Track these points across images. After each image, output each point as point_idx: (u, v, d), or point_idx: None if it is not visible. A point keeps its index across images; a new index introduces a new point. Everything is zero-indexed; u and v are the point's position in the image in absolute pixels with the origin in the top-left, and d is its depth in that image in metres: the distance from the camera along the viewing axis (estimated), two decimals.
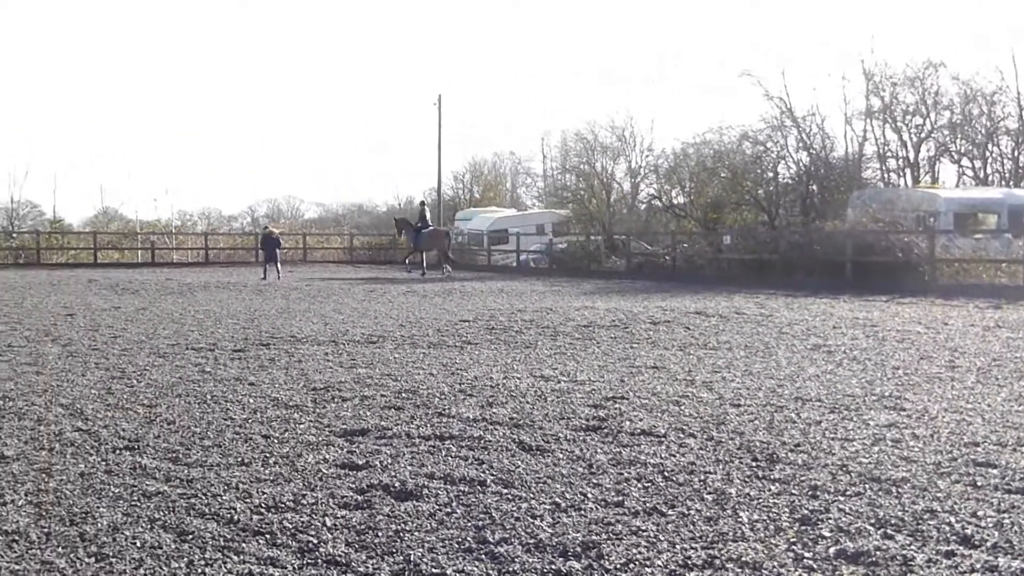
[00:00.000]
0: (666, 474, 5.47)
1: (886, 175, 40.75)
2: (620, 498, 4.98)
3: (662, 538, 4.32)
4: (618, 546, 4.22)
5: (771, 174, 40.69)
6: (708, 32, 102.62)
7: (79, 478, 5.39)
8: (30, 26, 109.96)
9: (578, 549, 4.18)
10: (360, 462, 5.74)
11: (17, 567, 3.98)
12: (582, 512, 4.75)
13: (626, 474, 5.49)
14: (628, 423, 6.89)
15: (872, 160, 41.25)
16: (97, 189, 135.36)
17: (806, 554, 4.11)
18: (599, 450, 6.09)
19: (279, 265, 29.82)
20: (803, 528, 4.46)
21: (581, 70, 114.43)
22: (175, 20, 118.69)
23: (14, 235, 45.83)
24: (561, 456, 5.93)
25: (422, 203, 36.45)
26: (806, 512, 4.69)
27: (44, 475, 5.44)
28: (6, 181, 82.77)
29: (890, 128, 39.95)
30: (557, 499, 4.97)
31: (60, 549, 4.21)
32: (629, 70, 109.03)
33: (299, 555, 4.16)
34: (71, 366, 9.76)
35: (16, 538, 4.34)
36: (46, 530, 4.46)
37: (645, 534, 4.38)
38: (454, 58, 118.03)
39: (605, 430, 6.68)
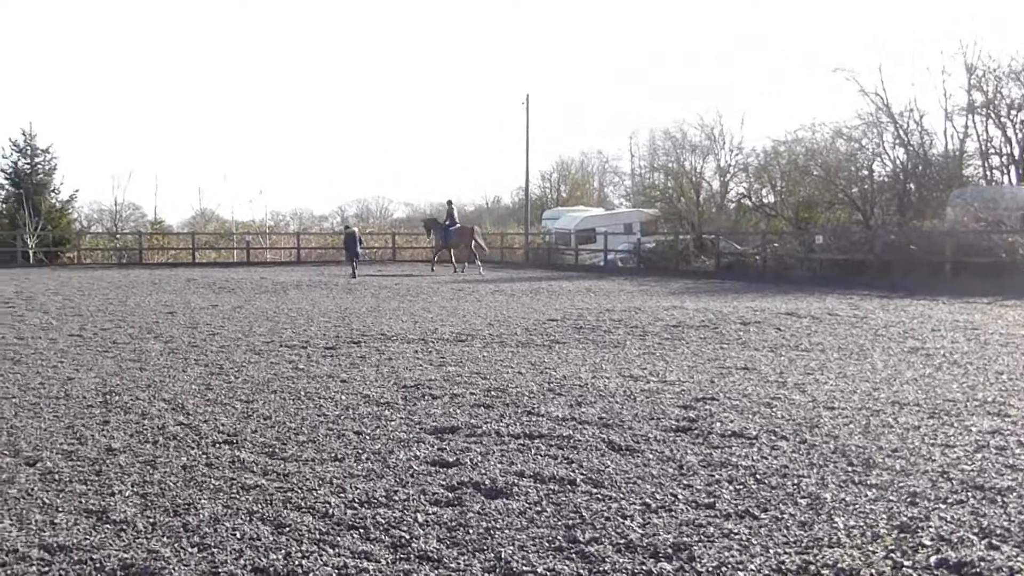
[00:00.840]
0: (758, 477, 5.39)
1: (989, 172, 39.29)
2: (711, 500, 4.93)
3: (755, 542, 4.26)
4: (710, 548, 4.18)
5: (866, 172, 39.57)
6: (801, 26, 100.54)
7: (181, 470, 5.57)
8: (134, 33, 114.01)
9: (669, 550, 4.16)
10: (451, 459, 5.81)
11: (125, 555, 4.13)
12: (673, 513, 4.72)
13: (717, 476, 5.43)
14: (719, 424, 6.81)
15: (974, 157, 39.82)
16: (195, 191, 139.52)
17: (905, 563, 4.00)
18: (689, 451, 6.04)
19: (356, 263, 30.68)
20: (902, 536, 4.34)
21: (669, 67, 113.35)
22: (270, 25, 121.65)
23: (117, 236, 47.52)
24: (651, 456, 5.90)
25: (449, 202, 36.31)
26: (905, 519, 4.57)
27: (149, 467, 5.64)
28: (110, 184, 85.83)
29: (993, 124, 38.50)
30: (647, 500, 4.94)
31: (165, 538, 4.36)
32: (719, 67, 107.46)
33: (392, 550, 4.23)
34: (172, 362, 10.08)
35: (124, 527, 4.52)
36: (151, 520, 4.63)
37: (737, 537, 4.33)
38: (543, 57, 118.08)
39: (695, 431, 6.62)
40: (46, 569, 3.98)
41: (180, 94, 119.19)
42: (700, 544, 4.23)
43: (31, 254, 40.11)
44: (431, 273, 32.33)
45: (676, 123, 57.42)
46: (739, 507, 4.81)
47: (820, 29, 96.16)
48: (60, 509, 4.81)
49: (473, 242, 34.40)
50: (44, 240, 41.36)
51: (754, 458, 5.83)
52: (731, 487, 5.19)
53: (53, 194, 45.08)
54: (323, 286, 24.30)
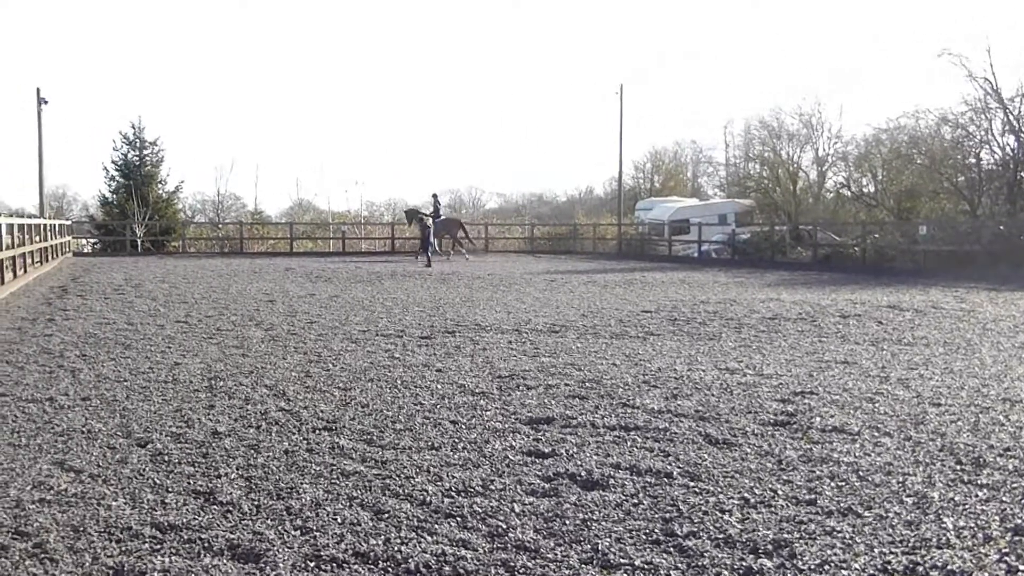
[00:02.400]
0: (861, 474, 5.26)
1: None
2: (812, 496, 4.83)
3: (858, 540, 4.16)
4: (811, 546, 4.09)
5: (973, 160, 38.09)
6: (903, 9, 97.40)
7: (283, 455, 5.71)
8: (237, 29, 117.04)
9: (769, 547, 4.09)
10: (546, 450, 5.82)
11: (232, 536, 4.26)
12: (772, 509, 4.64)
13: (818, 472, 5.31)
14: (818, 419, 6.66)
15: None
16: (293, 181, 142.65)
17: (1021, 567, 3.85)
18: (788, 446, 5.92)
19: (429, 253, 31.35)
20: (1017, 538, 4.18)
21: (765, 55, 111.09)
22: (368, 19, 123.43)
23: (219, 226, 48.95)
24: (749, 451, 5.81)
25: (434, 195, 36.99)
26: (1019, 521, 4.39)
27: (252, 451, 5.80)
28: (213, 175, 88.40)
29: None
30: (746, 494, 4.87)
31: (269, 521, 4.48)
32: (817, 53, 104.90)
33: (489, 539, 4.26)
34: (272, 349, 10.34)
35: (231, 509, 4.66)
36: (256, 502, 4.76)
37: (840, 535, 4.23)
38: (636, 46, 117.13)
39: (794, 426, 6.49)
40: (158, 546, 4.13)
41: (280, 87, 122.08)
42: (801, 541, 4.15)
43: (139, 243, 41.61)
44: (416, 262, 32.66)
45: (772, 111, 56.10)
46: (841, 504, 4.70)
47: (924, 11, 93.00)
48: (170, 489, 4.98)
49: (459, 232, 36.09)
50: (151, 229, 42.89)
51: (856, 454, 5.69)
52: (833, 484, 5.07)
53: (160, 185, 46.75)
54: (417, 276, 24.58)
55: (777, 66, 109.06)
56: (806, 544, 4.12)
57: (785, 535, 4.23)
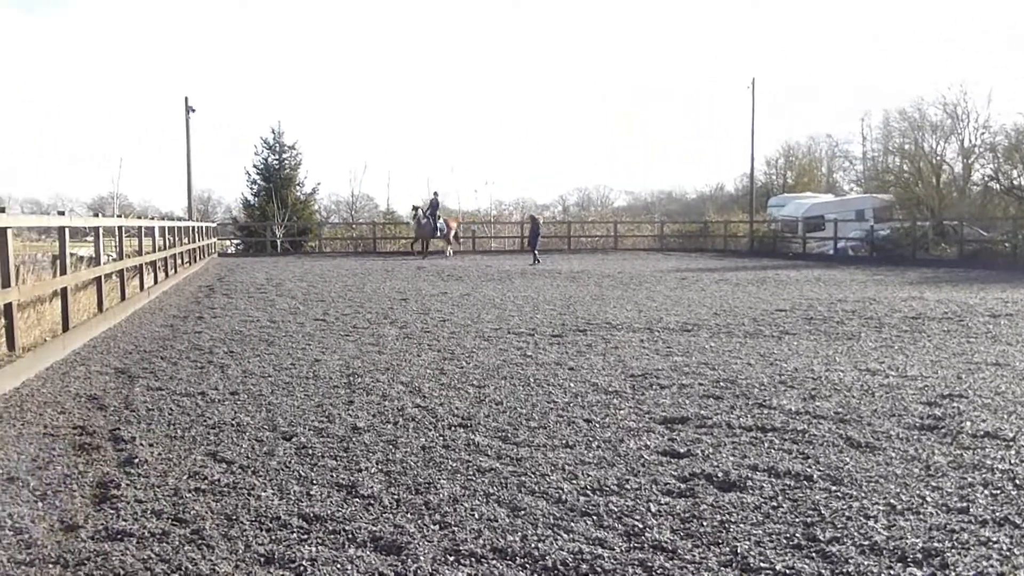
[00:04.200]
0: (1018, 482, 5.01)
1: None
2: (964, 504, 4.62)
3: (1017, 552, 3.96)
4: (965, 556, 3.92)
5: None
6: None
7: (421, 451, 5.83)
8: (369, 38, 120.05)
9: (918, 555, 3.94)
10: (681, 450, 5.76)
11: (374, 528, 4.38)
12: (921, 516, 4.46)
13: (969, 479, 5.09)
14: (969, 423, 6.38)
15: None
16: (424, 182, 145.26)
17: None
18: (936, 451, 5.69)
19: (536, 251, 31.53)
20: None
21: (905, 43, 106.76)
22: (494, 26, 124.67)
23: (353, 226, 50.22)
24: (894, 455, 5.61)
25: (435, 194, 37.36)
26: None
27: (391, 446, 5.94)
28: (348, 177, 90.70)
29: None
30: (892, 500, 4.70)
31: (409, 515, 4.59)
32: (962, 39, 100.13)
33: (626, 538, 4.25)
34: (407, 347, 10.56)
35: (372, 502, 4.79)
36: (396, 496, 4.88)
37: (996, 546, 4.04)
38: (767, 38, 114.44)
39: (942, 430, 6.23)
40: (305, 536, 4.28)
41: (413, 91, 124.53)
42: (953, 551, 3.98)
43: (278, 243, 43.16)
44: (415, 258, 33.63)
45: (913, 102, 53.88)
46: (996, 513, 4.48)
47: None
48: (314, 482, 5.16)
49: (453, 233, 37.46)
50: (290, 230, 44.41)
51: (1012, 461, 5.42)
52: (986, 491, 4.85)
53: (298, 187, 48.30)
54: (547, 274, 24.68)
55: (918, 54, 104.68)
56: (959, 554, 3.95)
57: (936, 544, 4.07)
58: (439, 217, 36.79)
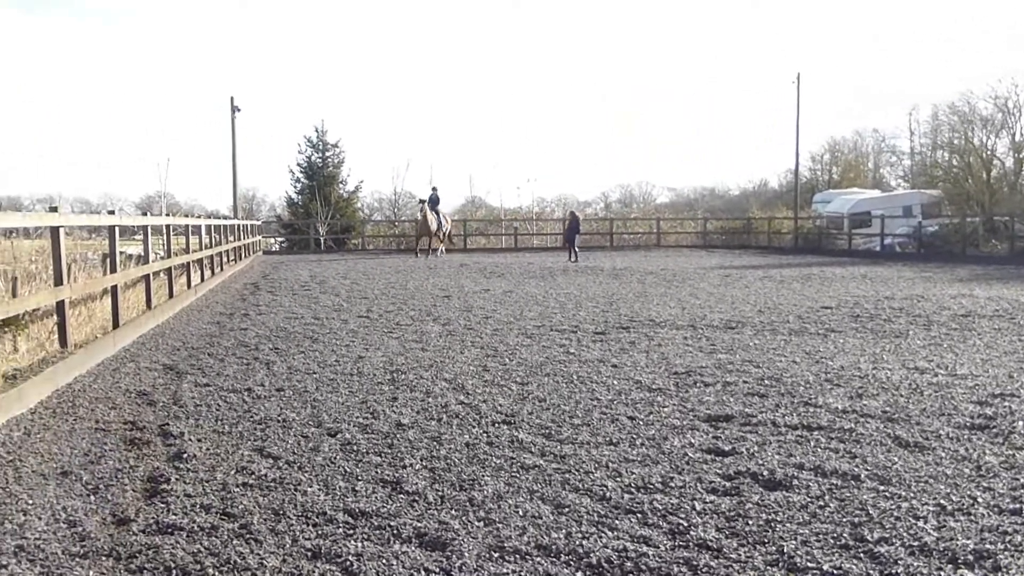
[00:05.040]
0: None
1: None
2: (1017, 506, 4.54)
3: None
4: (1018, 559, 3.85)
5: None
6: None
7: (465, 447, 5.85)
8: (413, 35, 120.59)
9: (970, 557, 3.88)
10: (726, 448, 5.72)
11: (419, 524, 4.40)
12: (972, 517, 4.39)
13: (1022, 479, 5.00)
14: (1021, 423, 6.26)
15: None
16: (466, 179, 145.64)
17: None
18: (988, 451, 5.60)
19: (576, 248, 31.18)
20: None
21: (953, 34, 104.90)
22: (535, 23, 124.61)
23: (396, 224, 50.47)
24: (943, 455, 5.52)
25: (434, 188, 35.78)
26: None
27: (435, 443, 5.97)
28: (390, 174, 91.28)
29: None
30: (942, 501, 4.63)
31: (453, 511, 4.61)
32: (1012, 29, 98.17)
33: (670, 536, 4.23)
34: (450, 344, 10.60)
35: (416, 498, 4.82)
36: (440, 493, 4.90)
37: None
38: (813, 33, 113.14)
39: (994, 429, 6.13)
40: (351, 531, 4.32)
41: (455, 89, 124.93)
42: (1007, 553, 3.91)
43: (322, 241, 43.52)
44: (416, 258, 32.65)
45: (962, 96, 52.90)
46: None
47: None
48: (359, 478, 5.20)
49: (447, 231, 35.79)
50: (333, 228, 44.76)
51: None
52: None
53: (341, 185, 48.65)
54: (589, 272, 24.63)
55: (967, 46, 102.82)
56: (1012, 556, 3.88)
57: (987, 546, 4.00)
58: (441, 214, 35.27)
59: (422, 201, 34.90)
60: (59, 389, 7.87)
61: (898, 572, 3.76)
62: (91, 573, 3.86)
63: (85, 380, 8.34)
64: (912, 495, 4.75)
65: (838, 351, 9.75)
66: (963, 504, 4.59)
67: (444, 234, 35.52)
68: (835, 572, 3.77)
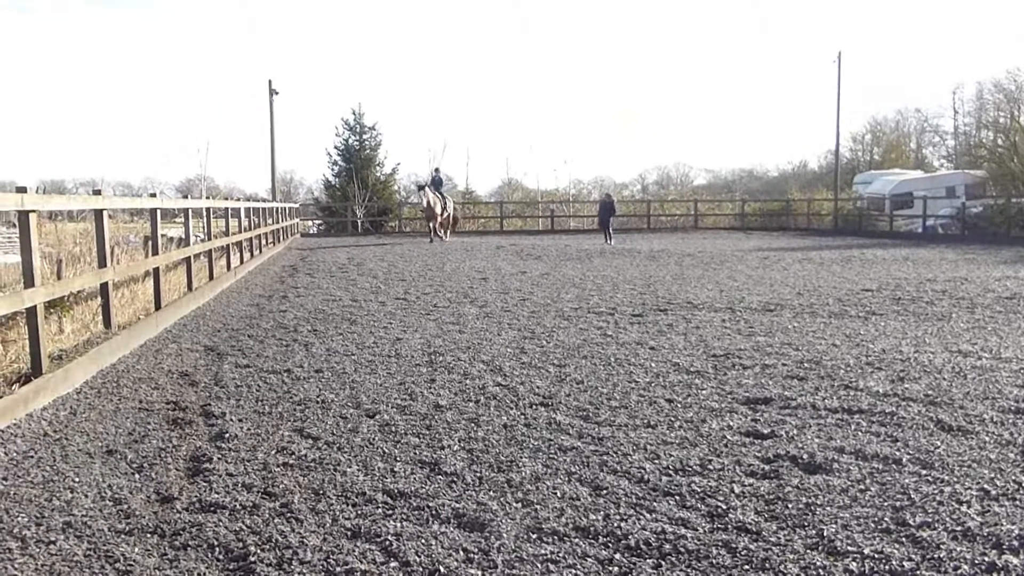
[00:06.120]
0: None
1: None
2: None
3: None
4: None
5: None
6: None
7: (503, 429, 5.87)
8: (448, 19, 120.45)
9: (1015, 543, 3.82)
10: (765, 431, 5.69)
11: (457, 505, 4.43)
12: (1017, 502, 4.33)
13: None
14: None
15: None
16: (503, 161, 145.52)
17: None
18: None
19: (611, 230, 31.10)
20: None
21: (999, 10, 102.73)
22: (569, 7, 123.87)
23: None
24: (987, 439, 5.45)
25: (436, 169, 34.42)
26: None
27: (473, 424, 5.99)
28: (427, 157, 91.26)
29: None
30: (986, 485, 4.57)
31: (491, 492, 4.63)
32: None
33: (709, 519, 4.22)
34: (487, 326, 10.61)
35: (455, 479, 4.84)
36: (478, 474, 4.92)
37: None
38: (855, 10, 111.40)
39: None
40: (390, 512, 4.35)
41: (491, 71, 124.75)
42: None
43: (359, 223, 43.73)
44: (430, 243, 31.06)
45: (1009, 73, 51.88)
46: None
47: None
48: (398, 459, 5.23)
49: (452, 215, 33.95)
50: (370, 210, 44.91)
51: None
52: None
53: (378, 168, 48.72)
54: (627, 253, 24.53)
55: (1013, 23, 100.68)
56: None
57: None
58: (445, 197, 33.52)
59: (420, 187, 33.44)
60: (103, 369, 8.00)
61: (941, 557, 3.72)
62: (136, 550, 3.92)
63: (128, 361, 8.46)
64: (955, 479, 4.69)
65: (879, 334, 9.64)
66: (1008, 489, 4.52)
67: (449, 218, 33.89)
68: (876, 556, 3.74)
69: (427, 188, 32.35)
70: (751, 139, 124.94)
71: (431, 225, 32.93)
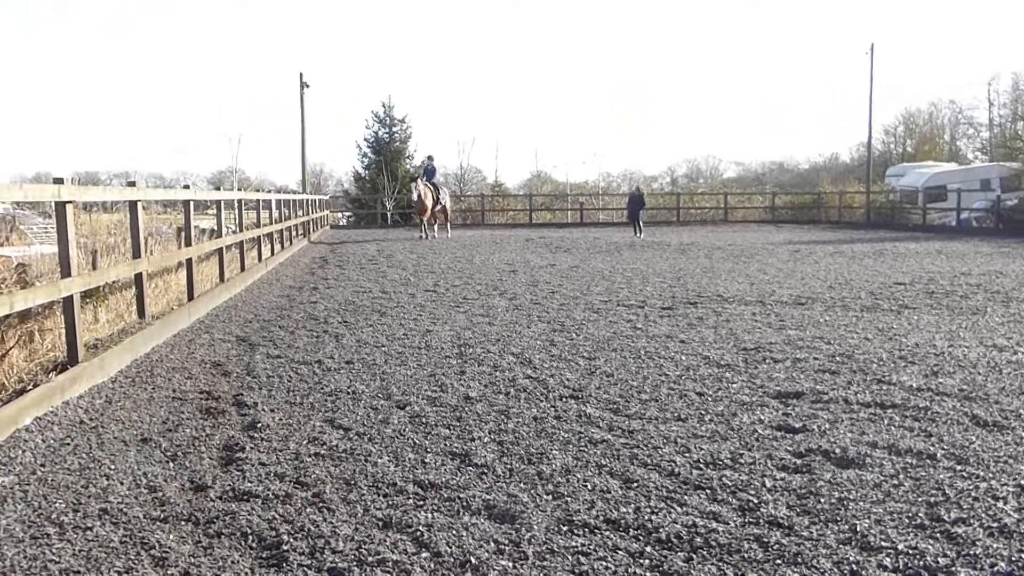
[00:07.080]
0: None
1: None
2: None
3: None
4: None
5: None
6: None
7: (533, 421, 5.87)
8: (472, 10, 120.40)
9: None
10: (796, 425, 5.65)
11: (488, 496, 4.44)
12: None
13: None
14: None
15: None
16: (532, 154, 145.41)
17: None
18: None
19: (641, 224, 30.76)
20: None
21: None
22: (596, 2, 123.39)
23: (462, 198, 50.61)
24: None
25: (429, 157, 32.05)
26: None
27: (503, 416, 6.00)
28: (456, 149, 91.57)
29: None
30: (1022, 481, 4.52)
31: (522, 484, 4.63)
32: None
33: (740, 513, 4.20)
34: (517, 318, 10.62)
35: (485, 471, 4.85)
36: (509, 466, 4.93)
37: None
38: (891, 1, 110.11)
39: None
40: (421, 503, 4.37)
41: (520, 64, 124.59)
42: None
43: (389, 215, 43.87)
44: (420, 240, 29.08)
45: None
46: None
47: None
48: (429, 450, 5.25)
49: (448, 207, 31.67)
50: (400, 203, 45.01)
51: None
52: None
53: (408, 160, 48.86)
54: (656, 246, 24.45)
55: None
56: None
57: None
58: (438, 188, 30.69)
59: (413, 179, 31.41)
60: (138, 359, 8.09)
61: (976, 553, 3.68)
62: (171, 536, 3.97)
63: (162, 350, 8.55)
64: (991, 475, 4.64)
65: (912, 328, 9.54)
66: None
67: (443, 209, 31.09)
68: (910, 552, 3.71)
69: (418, 180, 29.82)
70: (781, 131, 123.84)
71: (422, 219, 30.32)
